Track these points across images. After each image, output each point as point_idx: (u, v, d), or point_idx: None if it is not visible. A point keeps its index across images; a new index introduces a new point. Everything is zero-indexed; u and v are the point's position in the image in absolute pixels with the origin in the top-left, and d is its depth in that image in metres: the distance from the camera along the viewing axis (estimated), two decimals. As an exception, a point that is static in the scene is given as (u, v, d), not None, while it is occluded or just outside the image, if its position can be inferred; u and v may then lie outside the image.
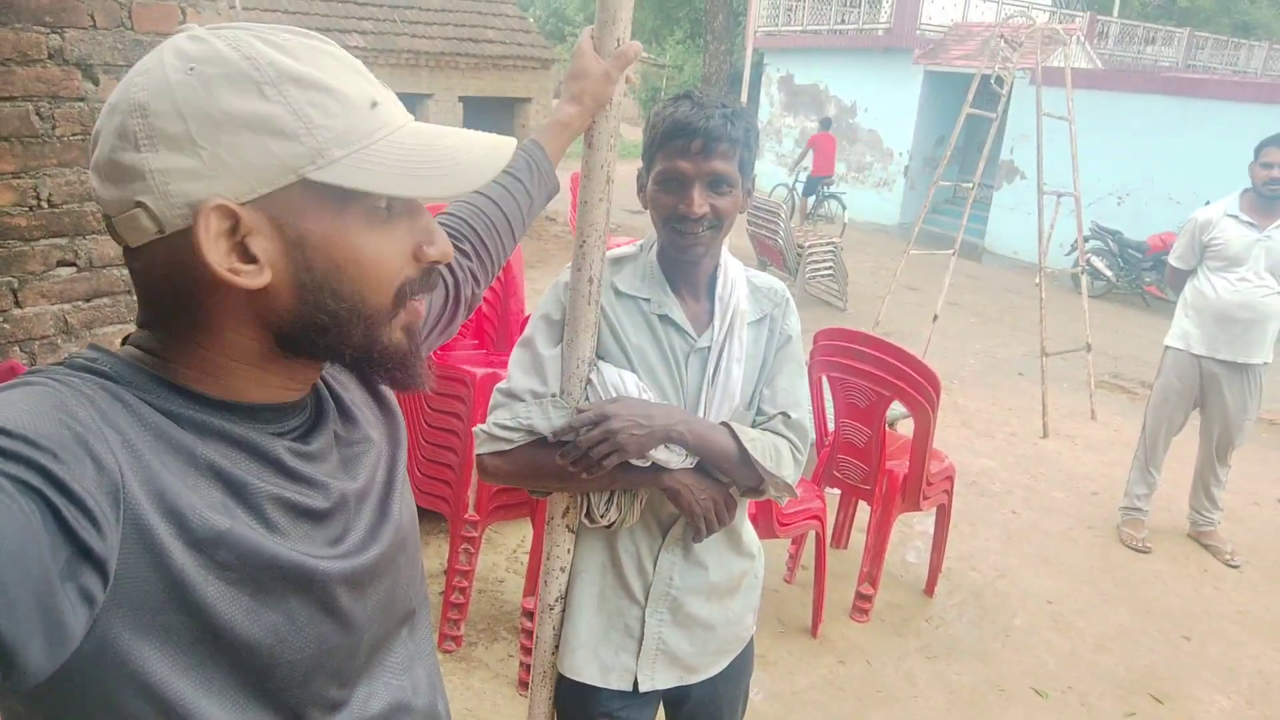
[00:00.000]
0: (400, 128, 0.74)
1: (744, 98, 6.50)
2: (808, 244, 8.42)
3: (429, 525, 3.55)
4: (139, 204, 0.66)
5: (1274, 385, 6.21)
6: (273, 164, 0.67)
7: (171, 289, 0.71)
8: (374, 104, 0.72)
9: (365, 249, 0.73)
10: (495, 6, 11.65)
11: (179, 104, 0.66)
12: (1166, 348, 4.17)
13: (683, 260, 1.53)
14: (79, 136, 2.30)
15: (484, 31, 10.97)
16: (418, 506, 3.34)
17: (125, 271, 2.43)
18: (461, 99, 10.67)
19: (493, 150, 0.79)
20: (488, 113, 11.06)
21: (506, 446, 1.50)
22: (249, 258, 0.68)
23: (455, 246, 1.20)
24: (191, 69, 0.66)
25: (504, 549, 3.59)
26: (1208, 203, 4.15)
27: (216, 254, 0.67)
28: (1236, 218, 3.87)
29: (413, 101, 10.49)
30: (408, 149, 0.72)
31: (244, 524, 0.70)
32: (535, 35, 11.64)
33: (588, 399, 1.50)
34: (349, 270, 0.72)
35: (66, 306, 2.37)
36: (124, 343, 0.75)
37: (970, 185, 6.41)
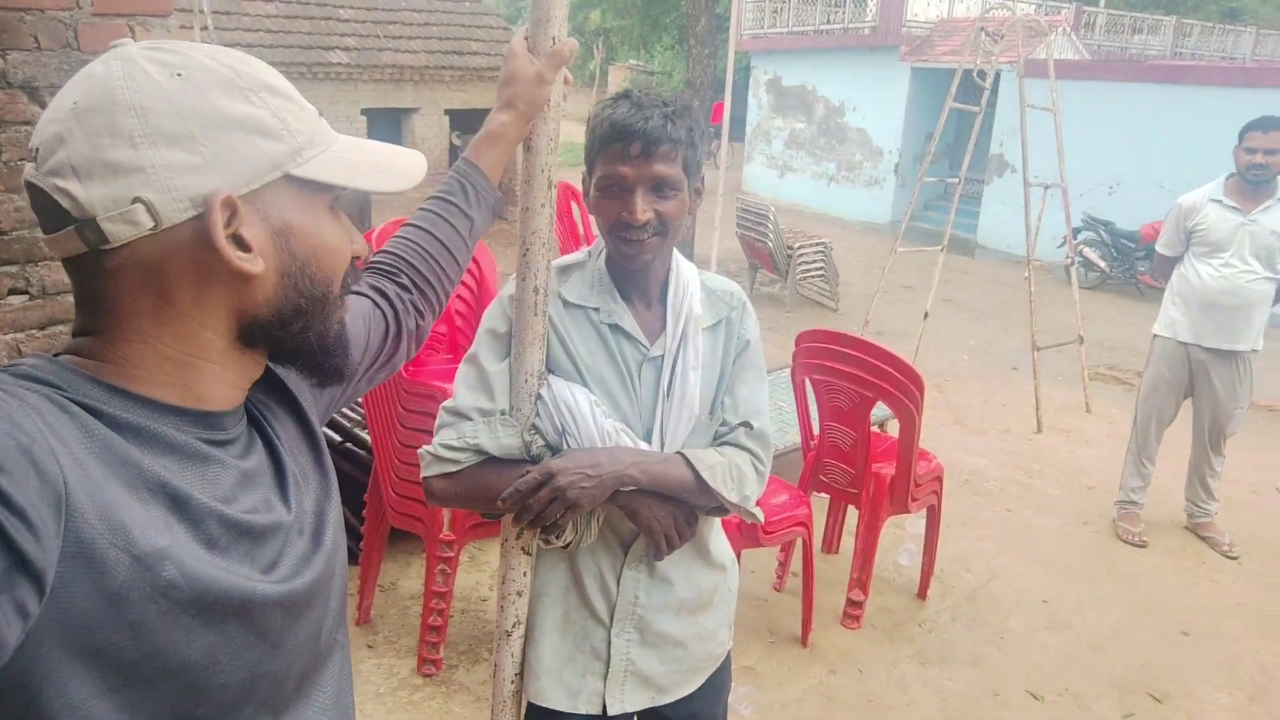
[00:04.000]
0: (338, 134, 0.84)
1: (727, 101, 6.43)
2: (797, 245, 8.36)
3: (408, 547, 3.49)
4: (138, 199, 0.69)
5: (1275, 373, 6.16)
6: (264, 161, 0.75)
7: (146, 286, 0.73)
8: (320, 113, 0.83)
9: (330, 237, 0.82)
10: (478, 18, 11.62)
11: (177, 105, 0.70)
12: (1154, 336, 4.12)
13: (631, 268, 1.48)
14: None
15: (468, 44, 10.94)
16: (393, 529, 3.23)
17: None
18: (447, 112, 10.63)
19: (413, 158, 0.91)
20: (474, 125, 11.01)
21: (453, 468, 1.45)
22: (244, 247, 0.74)
23: (392, 280, 1.23)
24: (179, 74, 0.71)
25: (488, 567, 3.53)
26: (1197, 190, 4.09)
27: (225, 242, 0.72)
28: (1220, 202, 3.82)
29: (398, 116, 10.45)
30: (356, 151, 0.84)
31: (185, 542, 0.69)
32: (519, 45, 11.60)
33: (538, 415, 1.45)
34: (323, 256, 0.81)
35: (20, 335, 2.31)
36: (60, 354, 0.75)
37: (956, 180, 6.35)
